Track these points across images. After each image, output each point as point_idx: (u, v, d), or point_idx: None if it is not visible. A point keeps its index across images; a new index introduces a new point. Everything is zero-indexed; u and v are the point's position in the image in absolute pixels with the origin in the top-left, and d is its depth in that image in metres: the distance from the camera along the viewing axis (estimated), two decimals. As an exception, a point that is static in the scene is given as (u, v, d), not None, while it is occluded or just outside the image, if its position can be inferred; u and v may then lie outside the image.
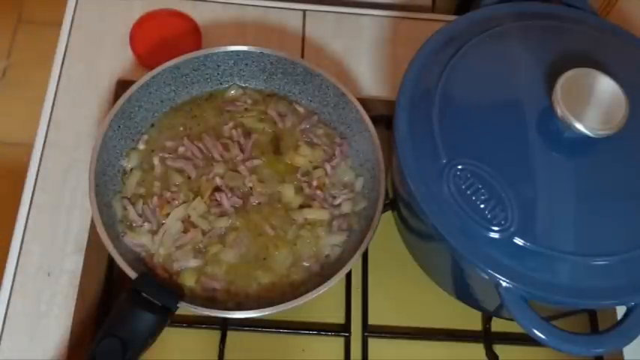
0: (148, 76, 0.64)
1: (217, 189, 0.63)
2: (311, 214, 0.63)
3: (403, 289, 0.68)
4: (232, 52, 0.67)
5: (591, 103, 0.51)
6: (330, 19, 0.77)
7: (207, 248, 0.61)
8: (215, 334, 0.64)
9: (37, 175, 0.66)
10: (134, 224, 0.62)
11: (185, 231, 0.61)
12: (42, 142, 0.67)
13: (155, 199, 0.62)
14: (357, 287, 0.67)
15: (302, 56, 0.75)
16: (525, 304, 0.50)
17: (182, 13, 0.75)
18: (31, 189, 0.65)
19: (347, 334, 0.65)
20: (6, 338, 0.59)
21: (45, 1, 1.67)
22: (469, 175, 0.52)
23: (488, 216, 0.51)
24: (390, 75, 0.75)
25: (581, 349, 0.50)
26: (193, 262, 0.60)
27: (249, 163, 0.65)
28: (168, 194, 0.62)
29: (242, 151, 0.65)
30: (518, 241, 0.50)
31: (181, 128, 0.67)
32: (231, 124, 0.67)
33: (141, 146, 0.65)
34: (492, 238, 0.50)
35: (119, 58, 0.73)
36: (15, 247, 0.63)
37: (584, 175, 0.53)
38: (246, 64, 0.68)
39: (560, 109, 0.50)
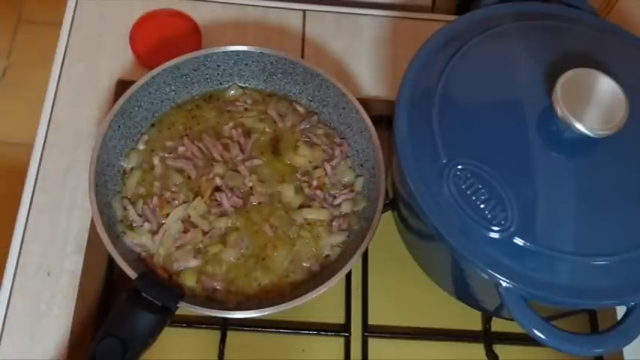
0: (148, 76, 0.64)
1: (217, 189, 0.63)
2: (311, 214, 0.63)
3: (403, 289, 0.68)
4: (232, 52, 0.67)
5: (591, 103, 0.51)
6: (330, 19, 0.77)
7: (207, 248, 0.61)
8: (215, 334, 0.64)
9: (37, 175, 0.66)
10: (134, 224, 0.62)
11: (185, 231, 0.61)
12: (42, 142, 0.67)
13: (155, 199, 0.62)
14: (357, 287, 0.67)
15: (302, 56, 0.75)
16: (525, 304, 0.50)
17: (182, 13, 0.75)
18: (31, 189, 0.65)
19: (347, 334, 0.65)
20: (6, 338, 0.59)
21: (45, 1, 1.67)
22: (469, 175, 0.52)
23: (489, 216, 0.51)
24: (390, 75, 0.75)
25: (581, 349, 0.50)
26: (193, 262, 0.60)
27: (249, 163, 0.65)
28: (168, 194, 0.63)
29: (242, 151, 0.65)
30: (518, 241, 0.50)
31: (181, 128, 0.67)
32: (231, 124, 0.67)
33: (141, 146, 0.65)
34: (492, 238, 0.50)
35: (119, 58, 0.73)
36: (15, 247, 0.63)
37: (584, 175, 0.53)
38: (246, 64, 0.68)
39: (560, 109, 0.50)
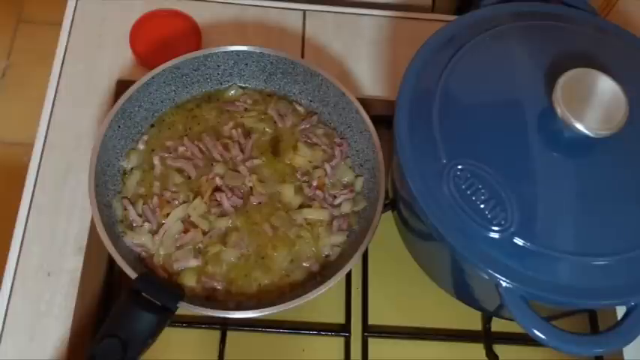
0: (148, 76, 0.64)
1: (217, 189, 0.63)
2: (311, 214, 0.63)
3: (403, 289, 0.68)
4: (232, 52, 0.67)
5: (591, 103, 0.51)
6: (330, 19, 0.77)
7: (207, 248, 0.61)
8: (215, 334, 0.64)
9: (37, 176, 0.66)
10: (134, 224, 0.62)
11: (185, 231, 0.61)
12: (42, 142, 0.67)
13: (155, 199, 0.62)
14: (357, 287, 0.67)
15: (302, 56, 0.75)
16: (525, 304, 0.50)
17: (182, 13, 0.75)
18: (31, 189, 0.65)
19: (347, 334, 0.65)
20: (6, 338, 0.59)
21: (45, 1, 1.67)
22: (469, 175, 0.52)
23: (489, 216, 0.51)
24: (390, 75, 0.75)
25: (581, 349, 0.50)
26: (193, 262, 0.60)
27: (249, 162, 0.65)
28: (168, 194, 0.63)
29: (242, 151, 0.65)
30: (518, 241, 0.50)
31: (181, 128, 0.67)
32: (231, 124, 0.67)
33: (141, 146, 0.65)
34: (492, 238, 0.50)
35: (119, 58, 0.73)
36: (15, 247, 0.63)
37: (584, 175, 0.53)
38: (246, 64, 0.68)
39: (561, 109, 0.50)
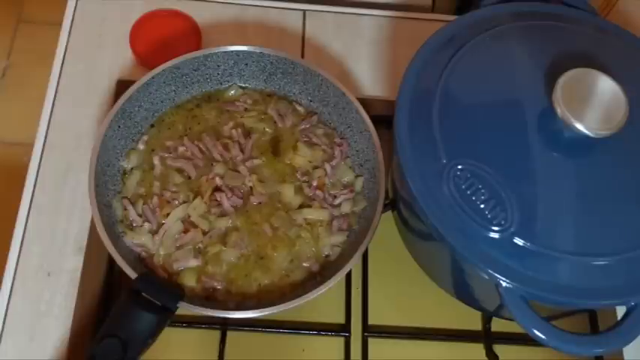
0: (148, 76, 0.64)
1: (217, 189, 0.63)
2: (311, 214, 0.63)
3: (403, 289, 0.68)
4: (232, 52, 0.67)
5: (591, 103, 0.51)
6: (330, 19, 0.77)
7: (207, 248, 0.61)
8: (215, 334, 0.64)
9: (37, 176, 0.66)
10: (134, 224, 0.62)
11: (185, 231, 0.61)
12: (42, 142, 0.67)
13: (155, 199, 0.62)
14: (357, 287, 0.67)
15: (302, 56, 0.75)
16: (525, 304, 0.50)
17: (182, 13, 0.75)
18: (31, 189, 0.65)
19: (347, 334, 0.65)
20: (6, 338, 0.59)
21: (45, 1, 1.67)
22: (469, 175, 0.52)
23: (489, 216, 0.51)
24: (390, 75, 0.75)
25: (581, 349, 0.50)
26: (193, 262, 0.60)
27: (249, 162, 0.65)
28: (168, 194, 0.63)
29: (242, 151, 0.65)
30: (518, 241, 0.50)
31: (181, 128, 0.67)
32: (231, 124, 0.67)
33: (141, 146, 0.65)
34: (492, 238, 0.50)
35: (119, 58, 0.73)
36: (15, 247, 0.63)
37: (584, 175, 0.53)
38: (246, 64, 0.68)
39: (561, 109, 0.50)
